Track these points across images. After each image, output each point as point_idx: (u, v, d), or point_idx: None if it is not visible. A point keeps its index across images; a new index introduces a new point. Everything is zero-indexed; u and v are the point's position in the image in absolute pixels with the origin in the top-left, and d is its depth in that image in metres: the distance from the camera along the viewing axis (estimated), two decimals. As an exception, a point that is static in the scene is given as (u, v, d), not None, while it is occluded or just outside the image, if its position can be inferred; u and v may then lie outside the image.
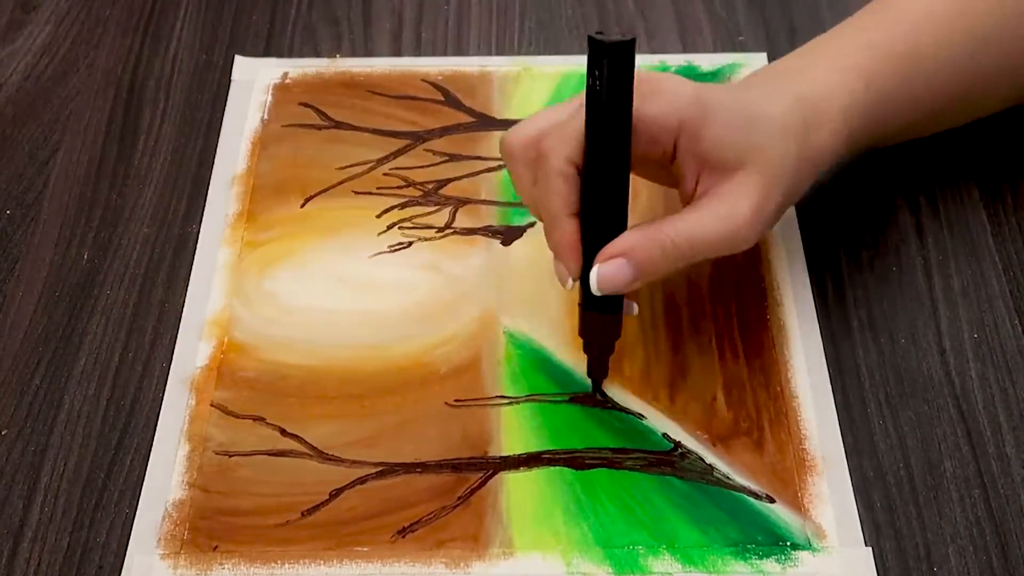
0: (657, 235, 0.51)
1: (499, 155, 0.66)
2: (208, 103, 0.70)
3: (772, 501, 0.53)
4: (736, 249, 0.53)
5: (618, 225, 0.52)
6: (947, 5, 0.59)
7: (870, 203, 0.64)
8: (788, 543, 0.51)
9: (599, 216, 0.51)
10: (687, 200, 0.53)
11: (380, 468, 0.54)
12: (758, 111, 0.53)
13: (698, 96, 0.52)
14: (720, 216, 0.51)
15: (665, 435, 0.55)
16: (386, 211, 0.64)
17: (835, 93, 0.55)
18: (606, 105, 0.49)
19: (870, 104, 0.56)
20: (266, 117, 0.69)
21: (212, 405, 0.56)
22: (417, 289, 0.61)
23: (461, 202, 0.64)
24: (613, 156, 0.50)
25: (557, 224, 0.51)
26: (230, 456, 0.54)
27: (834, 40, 0.59)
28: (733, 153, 0.52)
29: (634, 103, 0.50)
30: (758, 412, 0.55)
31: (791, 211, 0.63)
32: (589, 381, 0.56)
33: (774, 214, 0.53)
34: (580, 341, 0.58)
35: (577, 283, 0.52)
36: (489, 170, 0.66)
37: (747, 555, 0.51)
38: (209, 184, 0.65)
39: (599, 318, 0.53)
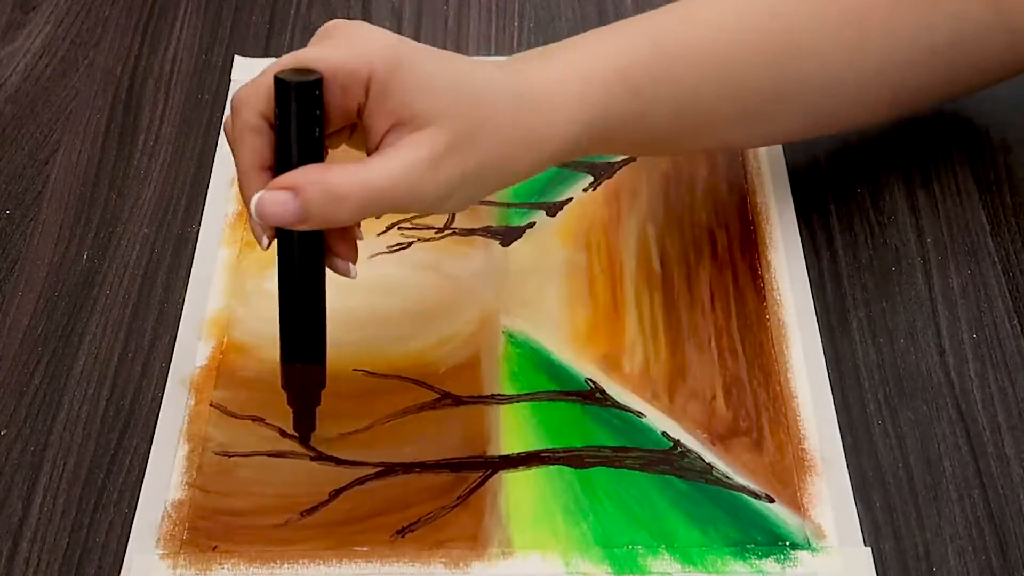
0: (330, 178, 0.47)
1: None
2: (208, 103, 0.70)
3: (771, 501, 0.53)
4: (416, 208, 0.50)
5: None
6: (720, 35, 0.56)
7: (870, 203, 0.64)
8: (787, 543, 0.51)
9: (287, 163, 0.48)
10: (372, 149, 0.50)
11: (379, 468, 0.54)
12: (465, 76, 0.50)
13: (395, 47, 0.48)
14: (395, 169, 0.48)
15: (664, 434, 0.55)
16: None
17: (575, 82, 0.52)
18: (298, 140, 0.48)
19: (620, 95, 0.53)
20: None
21: (211, 405, 0.56)
22: (417, 289, 0.61)
23: (461, 202, 0.64)
24: (299, 109, 0.48)
25: (249, 178, 0.49)
26: (229, 456, 0.54)
27: (607, 30, 0.56)
28: (421, 108, 0.48)
29: (323, 52, 0.48)
30: (757, 412, 0.55)
31: (791, 211, 0.63)
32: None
33: (464, 180, 0.50)
34: (580, 340, 0.58)
35: (273, 245, 0.50)
36: (489, 170, 0.65)
37: (746, 555, 0.51)
38: (209, 184, 0.65)
39: (302, 369, 0.50)
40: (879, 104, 0.61)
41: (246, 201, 0.49)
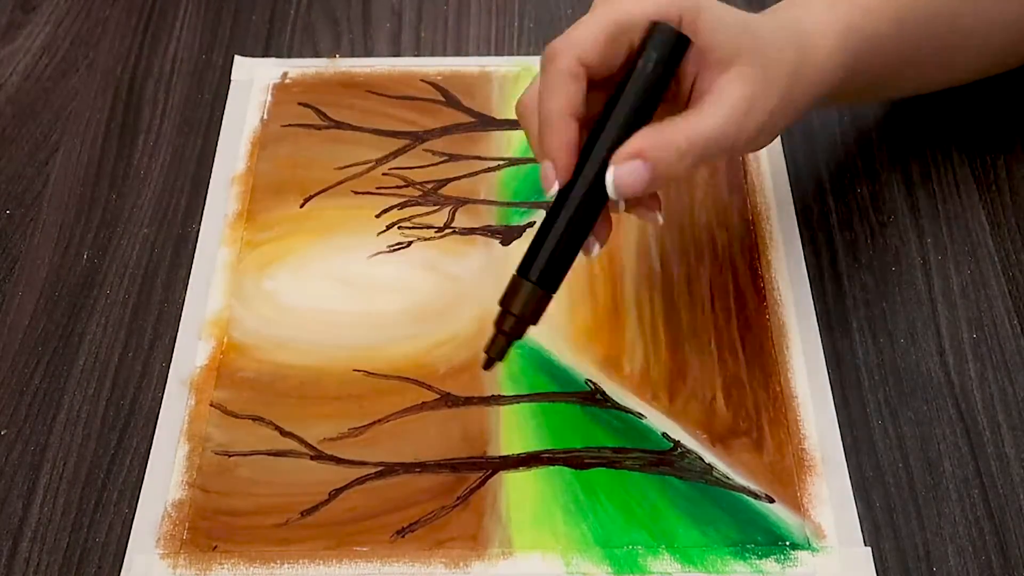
0: (670, 136, 0.49)
1: (499, 155, 0.66)
2: (208, 103, 0.70)
3: (771, 501, 0.53)
4: (742, 147, 0.53)
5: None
6: None
7: (870, 203, 0.64)
8: (787, 543, 0.51)
9: (621, 128, 0.49)
10: (684, 100, 0.52)
11: (379, 468, 0.54)
12: (752, 18, 0.53)
13: None
14: (722, 111, 0.50)
15: (665, 435, 0.55)
16: (385, 211, 0.64)
17: (834, 19, 0.56)
18: (647, 86, 0.50)
19: (866, 36, 0.56)
20: (266, 117, 0.69)
21: (211, 405, 0.56)
22: (417, 289, 0.61)
23: (460, 202, 0.64)
24: (638, 117, 0.50)
25: (557, 124, 0.50)
26: (229, 456, 0.54)
27: None
28: (728, 48, 0.51)
29: (627, 4, 0.50)
30: (757, 412, 0.55)
31: (791, 211, 0.63)
32: (588, 383, 0.56)
33: (771, 117, 0.52)
34: (580, 340, 0.58)
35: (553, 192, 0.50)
36: (488, 170, 0.66)
37: (746, 555, 0.51)
38: (209, 184, 0.65)
39: (533, 292, 0.50)
40: None
41: (548, 147, 0.50)
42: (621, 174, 0.49)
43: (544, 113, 0.50)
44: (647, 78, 0.50)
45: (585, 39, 0.50)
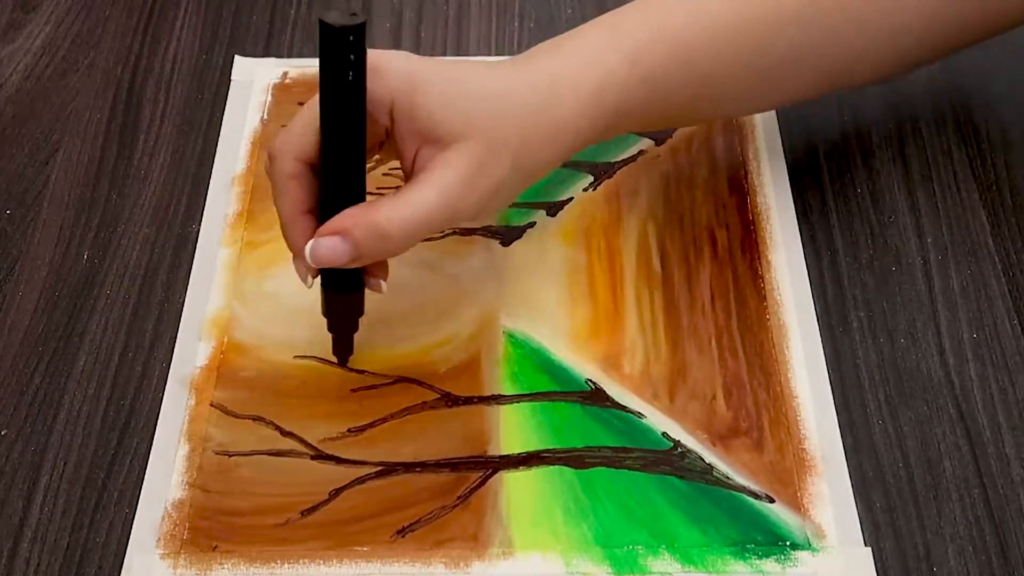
0: (373, 216, 0.50)
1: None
2: (208, 103, 0.70)
3: (772, 501, 0.53)
4: (459, 223, 0.52)
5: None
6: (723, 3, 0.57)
7: (870, 203, 0.64)
8: (788, 543, 0.51)
9: (337, 204, 0.51)
10: (407, 175, 0.52)
11: (380, 468, 0.54)
12: (477, 85, 0.51)
13: (411, 70, 0.50)
14: (433, 195, 0.50)
15: (665, 434, 0.55)
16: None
17: (592, 69, 0.53)
18: (341, 90, 0.49)
19: (632, 83, 0.54)
20: (266, 117, 0.69)
21: (212, 405, 0.56)
22: (416, 289, 0.61)
23: (461, 202, 0.64)
24: (348, 141, 0.50)
25: (291, 224, 0.51)
26: (230, 456, 0.54)
27: (611, 18, 0.56)
28: (446, 127, 0.50)
29: None
30: (758, 412, 0.56)
31: (791, 211, 0.63)
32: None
33: (498, 188, 0.52)
34: (581, 340, 0.58)
35: (317, 280, 0.53)
36: (489, 170, 0.65)
37: (747, 555, 0.51)
38: (209, 184, 0.65)
39: (340, 298, 0.54)
40: (884, 64, 0.61)
41: (293, 246, 0.52)
42: (319, 246, 0.50)
43: (280, 212, 0.52)
44: (331, 93, 0.49)
45: (300, 136, 0.50)
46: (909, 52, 0.61)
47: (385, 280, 0.54)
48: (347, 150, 0.50)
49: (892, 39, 0.59)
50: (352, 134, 0.50)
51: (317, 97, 0.50)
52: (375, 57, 0.50)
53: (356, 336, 0.57)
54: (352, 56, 0.48)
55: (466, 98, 0.51)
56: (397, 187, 0.53)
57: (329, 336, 0.57)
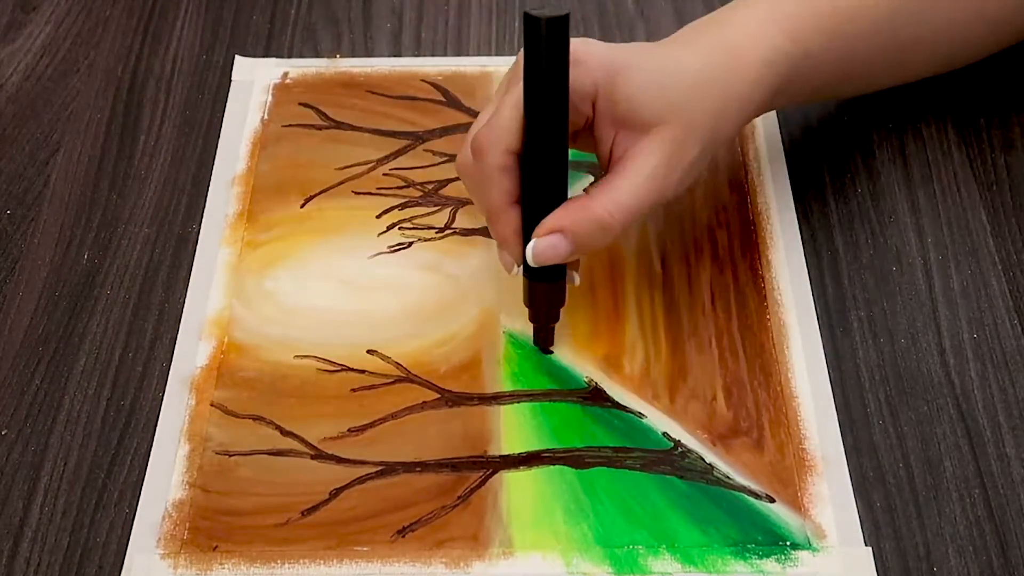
0: (592, 209, 0.51)
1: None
2: (208, 103, 0.70)
3: (772, 501, 0.53)
4: (668, 199, 0.54)
5: (559, 202, 0.52)
6: None
7: (870, 203, 0.64)
8: (788, 543, 0.51)
9: (541, 196, 0.52)
10: (605, 162, 0.54)
11: (380, 467, 0.54)
12: (672, 67, 0.54)
13: (610, 59, 0.52)
14: (643, 182, 0.52)
15: (665, 434, 0.55)
16: (386, 211, 0.64)
17: (758, 44, 0.56)
18: (546, 82, 0.49)
19: (795, 57, 0.56)
20: (266, 117, 0.69)
21: (212, 405, 0.56)
22: (417, 289, 0.61)
23: (461, 203, 0.64)
24: (553, 132, 0.51)
25: (501, 216, 0.53)
26: (230, 456, 0.54)
27: None
28: (647, 112, 0.52)
29: None
30: (758, 412, 0.56)
31: (791, 211, 0.63)
32: (590, 381, 0.56)
33: (693, 165, 0.54)
34: (581, 340, 0.58)
35: (520, 267, 0.54)
36: (489, 170, 0.66)
37: (747, 555, 0.51)
38: (209, 184, 0.65)
39: (543, 287, 0.55)
40: (983, 47, 0.65)
41: (500, 237, 0.53)
42: (540, 246, 0.52)
43: (486, 205, 0.53)
44: (535, 85, 0.50)
45: (507, 128, 0.51)
46: (1007, 33, 0.65)
47: (578, 271, 0.56)
48: (552, 142, 0.51)
49: (995, 25, 0.64)
50: (557, 125, 0.51)
51: (518, 90, 0.51)
52: (575, 46, 0.51)
53: (356, 335, 0.57)
54: (557, 47, 0.49)
55: (663, 83, 0.53)
56: (598, 178, 0.54)
57: (330, 336, 0.58)
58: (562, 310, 0.57)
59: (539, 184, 0.52)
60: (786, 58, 0.56)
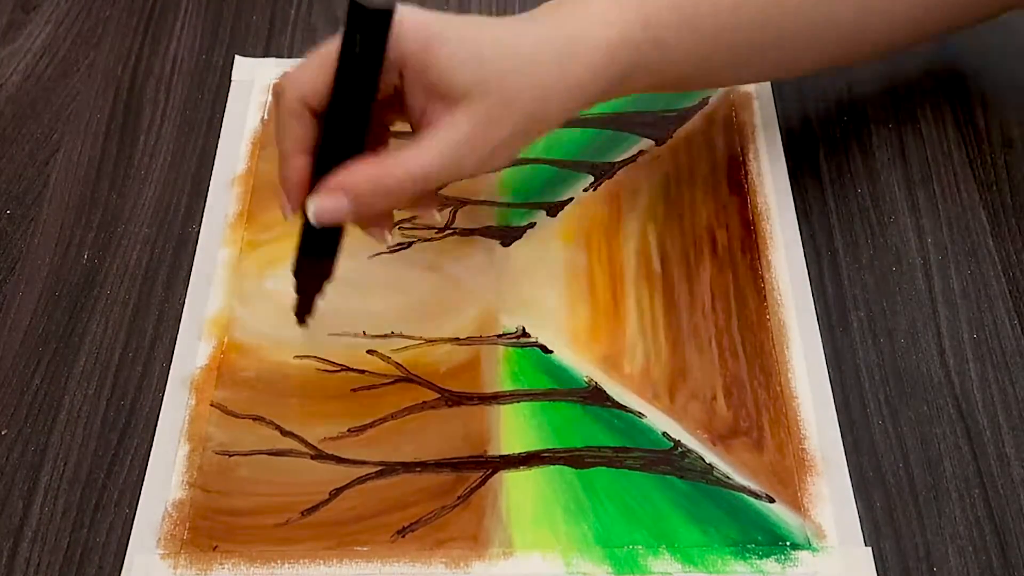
0: (377, 173, 0.50)
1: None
2: (208, 103, 0.70)
3: (772, 501, 0.53)
4: (468, 175, 0.52)
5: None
6: None
7: (870, 203, 0.64)
8: (788, 543, 0.51)
9: (333, 155, 0.51)
10: (415, 128, 0.53)
11: (380, 467, 0.54)
12: (495, 41, 0.51)
13: (426, 26, 0.50)
14: (436, 150, 0.50)
15: (665, 434, 0.55)
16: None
17: (605, 29, 0.53)
18: (360, 68, 0.49)
19: (645, 47, 0.54)
20: (266, 117, 0.69)
21: (212, 405, 0.56)
22: (417, 289, 0.61)
23: (461, 203, 0.64)
24: (356, 103, 0.50)
25: (287, 160, 0.51)
26: (230, 456, 0.55)
27: None
28: (458, 84, 0.50)
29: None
30: (758, 412, 0.56)
31: (791, 211, 0.63)
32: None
33: (503, 145, 0.52)
34: (581, 340, 0.58)
35: (296, 216, 0.52)
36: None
37: (747, 555, 0.51)
38: (209, 184, 0.65)
39: (315, 262, 0.54)
40: (880, 44, 0.62)
41: (283, 181, 0.51)
42: (321, 204, 0.50)
43: (278, 146, 0.52)
44: (347, 66, 0.49)
45: (308, 78, 0.50)
46: (905, 31, 0.62)
47: (391, 232, 0.54)
48: (354, 110, 0.50)
49: (889, 19, 0.60)
50: (362, 97, 0.50)
51: (330, 45, 0.50)
52: (398, 12, 0.50)
53: (360, 337, 0.57)
54: (376, 38, 0.49)
55: (479, 58, 0.51)
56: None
57: (329, 336, 0.58)
58: (562, 308, 0.57)
59: (336, 145, 0.51)
60: (635, 47, 0.54)
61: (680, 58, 0.56)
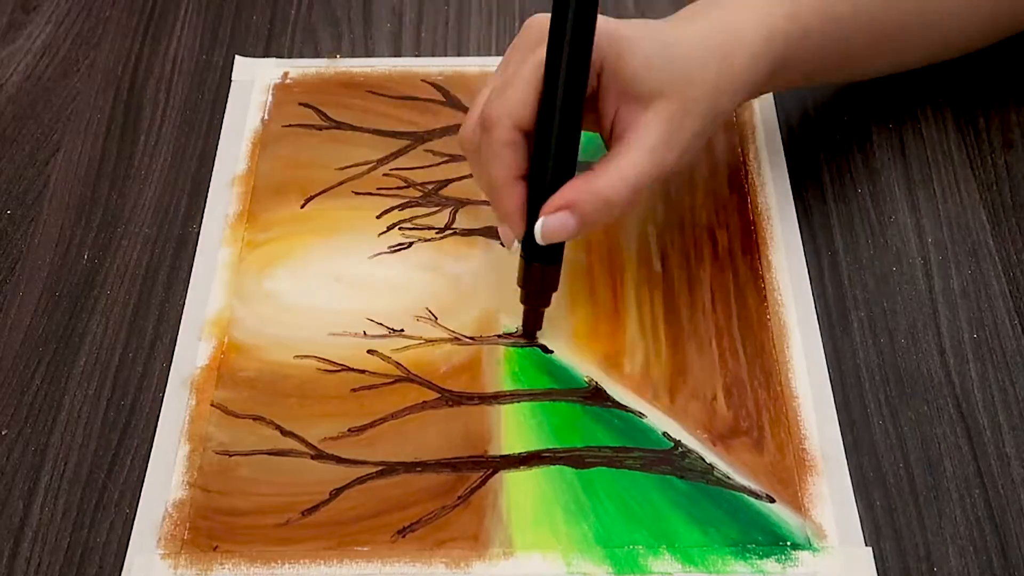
0: (597, 185, 0.52)
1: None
2: (208, 103, 0.70)
3: (772, 501, 0.53)
4: (668, 174, 0.54)
5: (567, 179, 0.53)
6: None
7: (870, 203, 0.64)
8: (788, 543, 0.51)
9: (551, 172, 0.52)
10: (607, 137, 0.55)
11: (380, 467, 0.54)
12: (674, 42, 0.54)
13: (616, 32, 0.53)
14: (644, 157, 0.53)
15: (665, 434, 0.55)
16: (386, 212, 0.64)
17: (757, 22, 0.56)
18: (570, 54, 0.50)
19: (793, 37, 0.57)
20: (266, 117, 0.69)
21: (212, 405, 0.56)
22: (417, 289, 0.61)
23: (461, 203, 0.64)
24: (570, 106, 0.51)
25: (505, 191, 0.53)
26: (230, 456, 0.55)
27: None
28: (649, 85, 0.53)
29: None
30: (758, 411, 0.56)
31: (791, 211, 0.63)
32: (583, 376, 0.57)
33: (693, 140, 0.54)
34: (581, 339, 0.58)
35: (519, 243, 0.54)
36: (489, 170, 0.66)
37: (747, 555, 0.51)
38: (209, 184, 0.65)
39: (540, 270, 0.55)
40: (985, 30, 0.66)
41: (503, 211, 0.53)
42: (549, 223, 0.52)
43: (491, 180, 0.53)
44: (556, 78, 0.51)
45: (518, 103, 0.52)
46: (1003, 25, 0.66)
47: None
48: (568, 115, 0.52)
49: (990, 16, 0.64)
50: (575, 98, 0.51)
51: (531, 65, 0.51)
52: None
53: (360, 337, 0.57)
54: (585, 19, 0.50)
55: (666, 57, 0.53)
56: (601, 156, 0.54)
57: (329, 336, 0.58)
58: (562, 308, 0.57)
59: (549, 160, 0.52)
60: (784, 37, 0.56)
61: (823, 48, 0.59)
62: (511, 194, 0.53)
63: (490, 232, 0.63)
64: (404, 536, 0.52)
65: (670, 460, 0.54)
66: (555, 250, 0.54)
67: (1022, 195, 0.64)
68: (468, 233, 0.63)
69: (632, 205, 0.53)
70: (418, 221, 0.63)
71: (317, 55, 0.72)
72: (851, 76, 0.66)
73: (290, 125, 0.68)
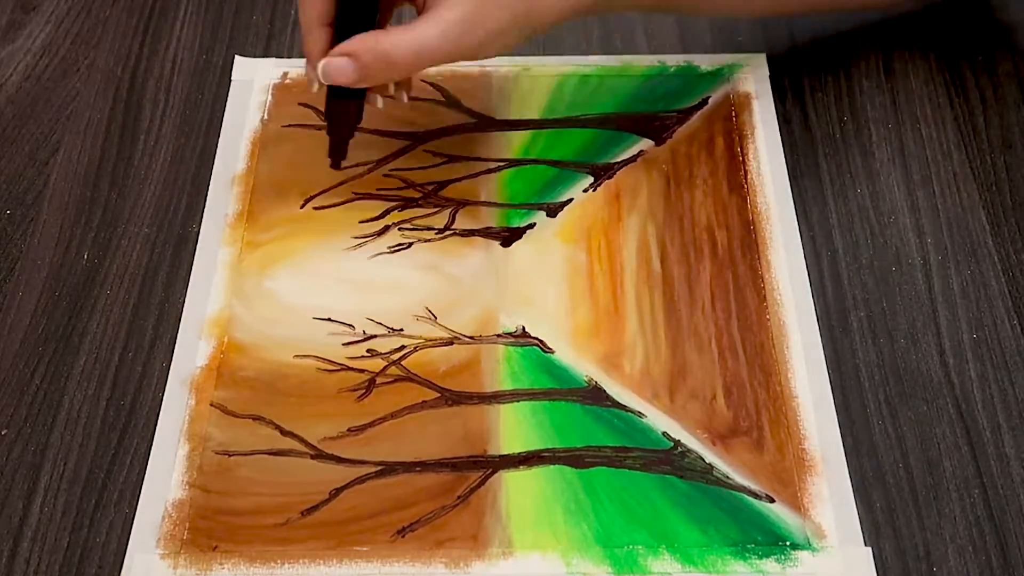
0: (382, 44, 0.55)
1: (499, 155, 0.66)
2: (208, 103, 0.70)
3: (772, 501, 0.53)
4: (462, 59, 0.57)
5: (364, 30, 0.56)
6: None
7: (870, 203, 0.64)
8: (788, 543, 0.51)
9: (348, 25, 0.56)
10: (419, 11, 0.57)
11: (380, 467, 0.54)
12: None
13: None
14: (436, 31, 0.55)
15: (665, 434, 0.55)
16: (386, 212, 0.64)
17: None
18: None
19: None
20: (266, 117, 0.69)
21: (212, 405, 0.56)
22: (417, 289, 0.61)
23: (460, 204, 0.64)
24: None
25: (310, 33, 0.56)
26: (230, 456, 0.55)
27: None
28: None
29: None
30: (758, 412, 0.56)
31: (791, 211, 0.63)
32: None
33: (498, 33, 0.56)
34: (581, 339, 0.58)
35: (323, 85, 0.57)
36: (488, 171, 0.66)
37: (747, 555, 0.51)
38: (209, 184, 0.65)
39: (343, 104, 0.58)
40: None
41: (307, 53, 0.57)
42: (329, 65, 0.55)
43: (301, 20, 0.57)
44: None
45: None
46: None
47: (382, 97, 0.60)
48: None
49: None
50: None
51: None
52: None
53: (360, 337, 0.57)
54: None
55: None
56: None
57: (329, 336, 0.58)
58: (562, 308, 0.57)
59: (349, 13, 0.56)
60: None
61: None
62: (315, 38, 0.56)
63: (490, 232, 0.63)
64: (403, 536, 0.52)
65: (670, 460, 0.54)
66: (356, 89, 0.57)
67: (1022, 195, 0.64)
68: (468, 233, 0.63)
69: (413, 69, 0.56)
70: (418, 222, 0.63)
71: (317, 55, 0.72)
72: (696, 9, 0.67)
73: (290, 125, 0.68)
